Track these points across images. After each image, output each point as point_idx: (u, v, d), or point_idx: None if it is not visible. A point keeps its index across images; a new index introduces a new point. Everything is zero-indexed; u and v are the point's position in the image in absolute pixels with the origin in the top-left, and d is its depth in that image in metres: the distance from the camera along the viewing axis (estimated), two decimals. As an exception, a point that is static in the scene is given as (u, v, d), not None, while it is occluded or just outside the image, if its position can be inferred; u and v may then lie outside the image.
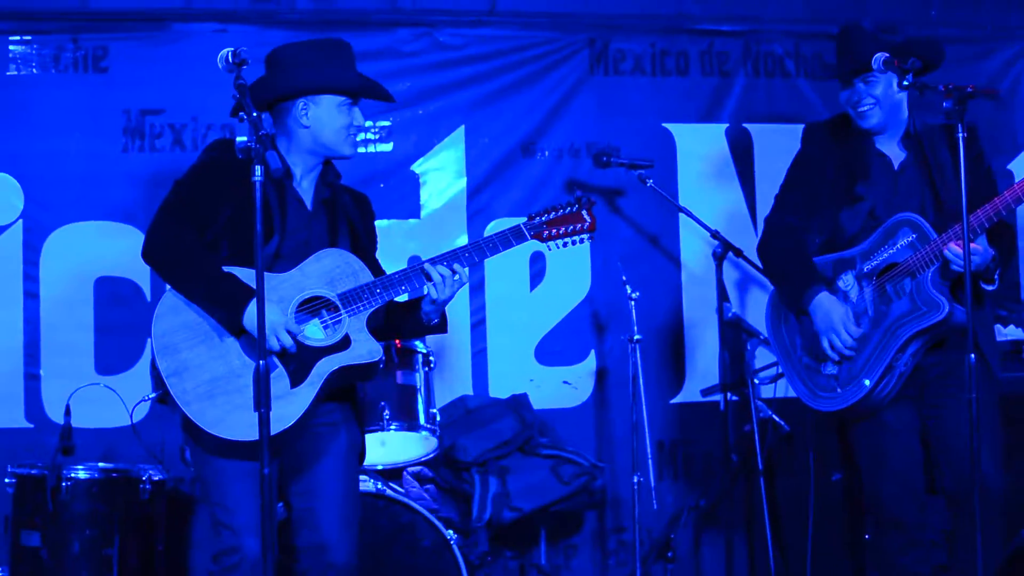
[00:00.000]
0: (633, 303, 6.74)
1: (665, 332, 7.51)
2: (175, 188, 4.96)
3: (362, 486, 6.00)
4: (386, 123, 7.31)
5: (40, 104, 6.96)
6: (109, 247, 6.93)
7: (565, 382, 7.41)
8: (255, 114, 4.38)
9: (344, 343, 4.84)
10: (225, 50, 4.46)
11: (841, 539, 7.02)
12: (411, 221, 7.34)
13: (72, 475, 5.96)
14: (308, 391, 4.78)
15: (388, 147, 7.33)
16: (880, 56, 5.25)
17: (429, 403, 6.33)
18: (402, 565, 6.01)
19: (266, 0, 7.19)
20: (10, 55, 7.00)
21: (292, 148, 5.00)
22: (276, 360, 4.73)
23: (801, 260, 5.71)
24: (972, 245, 5.13)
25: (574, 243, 5.07)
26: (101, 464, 6.18)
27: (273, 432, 4.49)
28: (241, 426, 4.68)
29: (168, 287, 4.88)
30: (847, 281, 5.65)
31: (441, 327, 5.10)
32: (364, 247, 5.13)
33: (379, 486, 6.10)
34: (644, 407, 6.72)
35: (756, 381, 6.92)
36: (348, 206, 5.14)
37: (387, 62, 7.25)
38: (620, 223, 7.50)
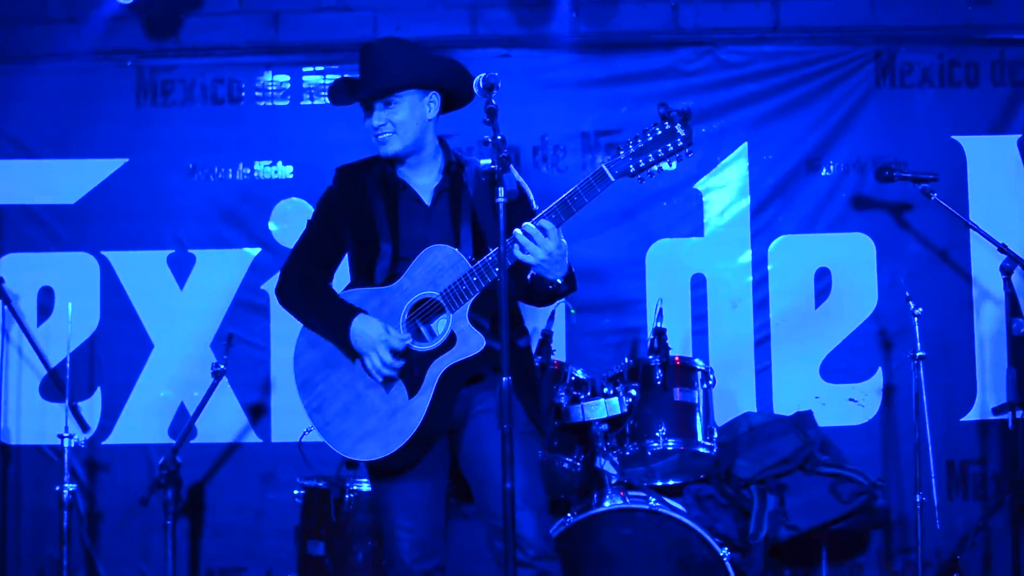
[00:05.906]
0: (916, 319, 6.60)
1: (956, 348, 7.32)
2: (306, 228, 5.22)
3: (638, 503, 6.10)
4: (669, 142, 7.34)
5: (332, 131, 7.26)
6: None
7: (851, 399, 7.32)
8: (499, 137, 4.53)
9: (451, 342, 4.86)
10: (479, 76, 4.62)
11: None
12: (694, 239, 7.37)
13: (355, 488, 6.22)
14: (423, 400, 4.87)
15: (671, 166, 7.34)
16: None
17: (707, 420, 6.35)
18: (675, 581, 6.08)
19: (547, 24, 7.34)
20: (304, 85, 7.41)
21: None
22: (394, 373, 4.88)
23: None
24: None
25: (670, 162, 4.79)
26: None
27: (396, 447, 4.83)
28: (370, 450, 4.91)
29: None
30: None
31: (569, 286, 4.92)
32: (487, 224, 4.98)
33: (653, 502, 6.15)
34: (927, 425, 6.57)
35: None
36: (470, 186, 5.08)
37: (669, 81, 7.35)
38: (908, 237, 7.36)
